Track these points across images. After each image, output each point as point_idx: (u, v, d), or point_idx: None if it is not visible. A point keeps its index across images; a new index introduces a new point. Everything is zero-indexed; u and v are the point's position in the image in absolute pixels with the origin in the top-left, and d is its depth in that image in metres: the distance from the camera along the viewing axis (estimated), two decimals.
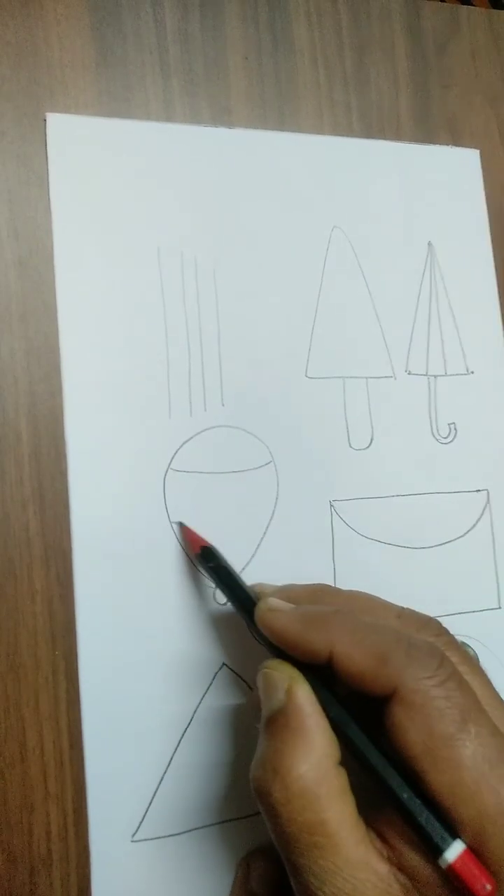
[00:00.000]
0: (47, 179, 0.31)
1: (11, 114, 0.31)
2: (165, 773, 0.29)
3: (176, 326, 0.32)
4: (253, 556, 0.32)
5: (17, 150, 0.31)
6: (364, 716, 0.23)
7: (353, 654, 0.23)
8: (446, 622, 0.26)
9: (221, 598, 0.31)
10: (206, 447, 0.32)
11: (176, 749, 0.30)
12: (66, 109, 0.32)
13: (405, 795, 0.21)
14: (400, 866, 0.21)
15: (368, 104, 0.37)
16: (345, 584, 0.33)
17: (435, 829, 0.21)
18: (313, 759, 0.22)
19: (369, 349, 0.35)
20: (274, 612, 0.25)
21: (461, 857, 0.20)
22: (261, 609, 0.26)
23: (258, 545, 0.32)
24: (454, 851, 0.20)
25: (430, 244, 0.37)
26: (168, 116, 0.34)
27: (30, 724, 0.29)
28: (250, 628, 0.27)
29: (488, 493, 0.36)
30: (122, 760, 0.29)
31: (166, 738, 0.30)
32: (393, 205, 0.37)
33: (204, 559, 0.29)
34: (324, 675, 0.24)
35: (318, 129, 0.36)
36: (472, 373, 0.37)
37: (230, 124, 0.35)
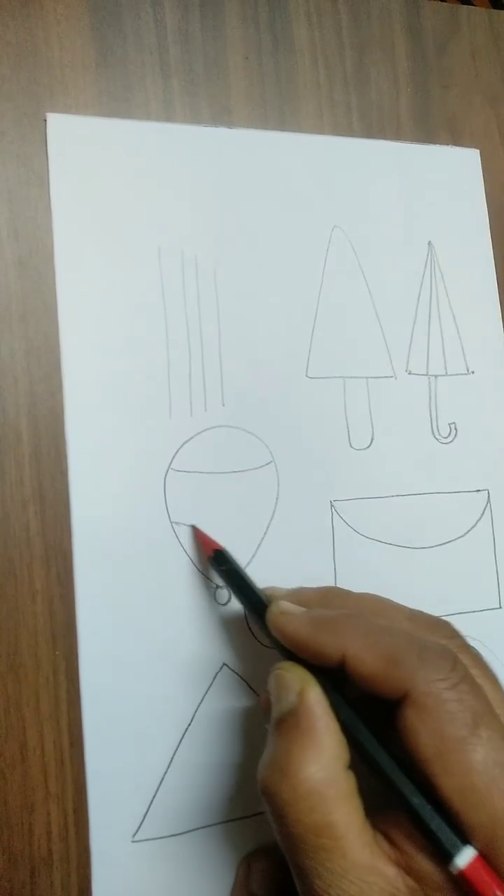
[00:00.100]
0: (47, 179, 0.31)
1: (11, 114, 0.31)
2: (166, 773, 0.29)
3: (176, 326, 0.32)
4: (253, 556, 0.32)
5: (18, 150, 0.31)
6: (374, 720, 0.23)
7: (366, 657, 0.23)
8: None
9: (222, 598, 0.31)
10: (207, 447, 0.32)
11: (176, 749, 0.30)
12: (66, 109, 0.32)
13: (416, 800, 0.21)
14: (408, 870, 0.21)
15: (368, 104, 0.37)
16: (345, 584, 0.33)
17: (446, 834, 0.21)
18: (323, 760, 0.22)
19: (370, 349, 0.35)
20: (285, 616, 0.25)
21: (472, 864, 0.20)
22: (272, 612, 0.26)
23: (259, 545, 0.32)
24: (465, 857, 0.20)
25: (430, 244, 0.37)
26: (168, 116, 0.34)
27: (30, 723, 0.29)
28: (262, 631, 0.27)
29: (488, 493, 0.36)
30: (122, 760, 0.29)
31: (167, 738, 0.30)
32: (393, 205, 0.37)
33: (216, 562, 0.30)
34: (334, 678, 0.24)
35: (319, 129, 0.36)
36: (473, 373, 0.37)
37: (230, 124, 0.35)
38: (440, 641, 0.24)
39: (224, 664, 0.31)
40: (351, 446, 0.34)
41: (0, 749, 0.28)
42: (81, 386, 0.30)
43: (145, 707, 0.29)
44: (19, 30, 0.32)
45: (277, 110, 0.36)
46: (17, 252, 0.31)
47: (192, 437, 0.32)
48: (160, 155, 0.33)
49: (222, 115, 0.35)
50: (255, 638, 0.31)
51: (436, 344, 0.36)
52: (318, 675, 0.24)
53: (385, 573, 0.34)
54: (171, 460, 0.31)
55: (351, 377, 0.35)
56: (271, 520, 0.32)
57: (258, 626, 0.27)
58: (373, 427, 0.35)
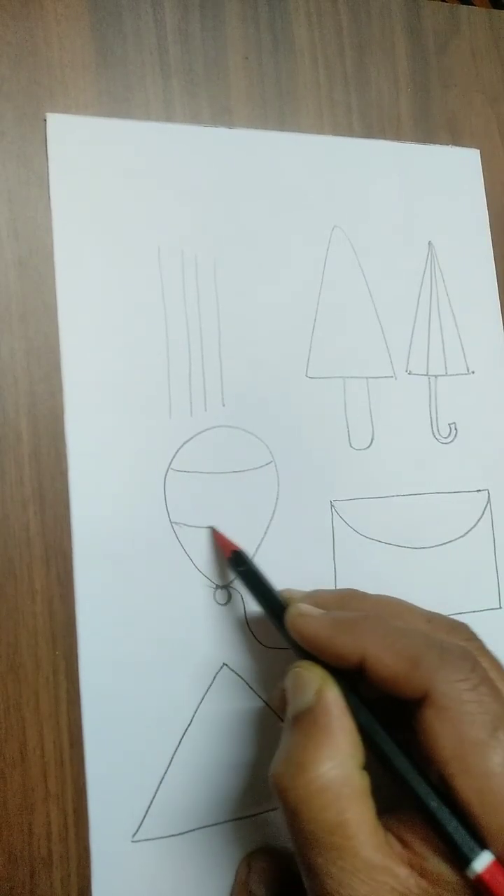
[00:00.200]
0: (47, 179, 0.31)
1: (11, 114, 0.31)
2: (166, 773, 0.29)
3: (176, 326, 0.32)
4: (253, 556, 0.32)
5: (18, 151, 0.31)
6: (390, 722, 0.23)
7: (385, 658, 0.23)
8: None
9: (222, 598, 0.31)
10: (207, 447, 0.32)
11: (176, 749, 0.30)
12: (66, 109, 0.32)
13: (433, 803, 0.21)
14: (421, 871, 0.21)
15: (368, 104, 0.37)
16: (345, 584, 0.33)
17: (463, 838, 0.21)
18: (338, 758, 0.22)
19: (370, 349, 0.35)
20: (304, 617, 0.26)
21: (490, 869, 0.20)
22: (291, 614, 0.26)
23: (259, 545, 0.32)
24: (482, 862, 0.20)
25: (430, 244, 0.37)
26: (168, 116, 0.34)
27: (30, 724, 0.29)
28: (280, 632, 0.27)
29: (488, 493, 0.36)
30: (122, 760, 0.29)
31: (167, 738, 0.30)
32: (393, 205, 0.37)
33: (234, 563, 0.30)
34: (351, 680, 0.24)
35: (319, 129, 0.36)
36: (473, 373, 0.37)
37: (230, 124, 0.34)
38: (459, 643, 0.24)
39: (224, 664, 0.31)
40: (351, 446, 0.34)
41: (0, 749, 0.28)
42: (81, 386, 0.30)
43: (145, 707, 0.29)
44: (19, 30, 0.32)
45: (277, 110, 0.36)
46: (17, 252, 0.31)
47: (192, 437, 0.32)
48: (160, 155, 0.33)
49: (222, 115, 0.34)
50: (256, 638, 0.31)
51: (436, 344, 0.36)
52: (335, 677, 0.24)
53: (385, 573, 0.34)
54: (171, 460, 0.31)
55: (351, 377, 0.35)
56: (271, 520, 0.32)
57: (276, 628, 0.27)
58: (373, 427, 0.35)
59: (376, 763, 0.23)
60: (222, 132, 0.34)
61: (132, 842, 0.29)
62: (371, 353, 0.35)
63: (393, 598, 0.27)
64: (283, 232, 0.34)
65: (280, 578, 0.30)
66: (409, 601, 0.27)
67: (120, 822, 0.29)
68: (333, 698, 0.23)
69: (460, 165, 0.38)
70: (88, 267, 0.31)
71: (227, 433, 0.32)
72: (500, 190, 0.39)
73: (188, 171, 0.33)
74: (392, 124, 0.38)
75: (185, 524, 0.31)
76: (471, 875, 0.20)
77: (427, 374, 0.36)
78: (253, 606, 0.31)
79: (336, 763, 0.22)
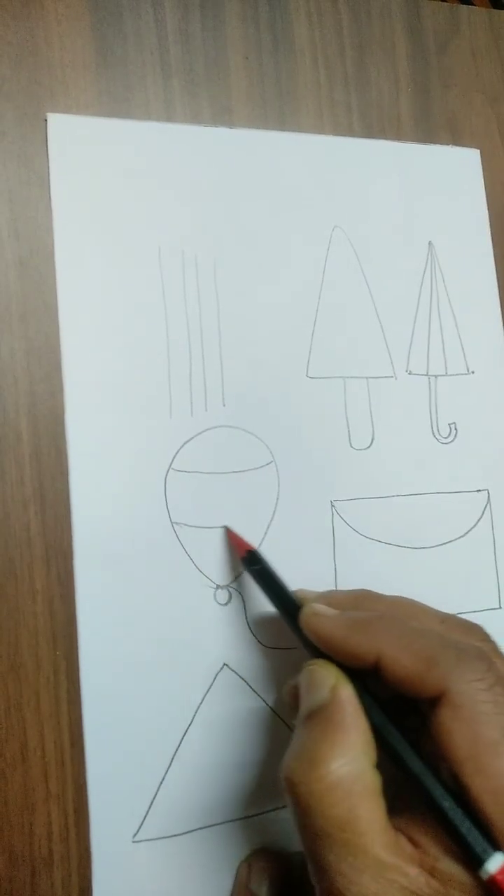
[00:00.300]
0: (48, 179, 0.31)
1: (12, 114, 0.31)
2: (167, 773, 0.29)
3: (177, 326, 0.32)
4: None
5: (18, 151, 0.31)
6: (402, 723, 0.23)
7: (401, 658, 0.23)
8: None
9: (222, 598, 0.31)
10: (207, 447, 0.32)
11: (177, 749, 0.30)
12: (66, 109, 0.32)
13: (447, 803, 0.21)
14: (431, 871, 0.21)
15: (369, 104, 0.37)
16: (345, 584, 0.33)
17: (476, 839, 0.21)
18: (352, 755, 0.22)
19: (370, 349, 0.35)
20: (319, 617, 0.26)
21: (503, 870, 0.20)
22: (306, 614, 0.26)
23: (259, 545, 0.32)
24: (496, 863, 0.20)
25: (430, 244, 0.37)
26: (168, 116, 0.34)
27: (31, 724, 0.29)
28: (294, 632, 0.27)
29: (488, 493, 0.36)
30: (122, 760, 0.29)
31: (167, 738, 0.30)
32: (393, 205, 0.37)
33: (248, 562, 0.30)
34: (362, 680, 0.24)
35: (319, 129, 0.36)
36: (473, 373, 0.37)
37: (231, 124, 0.34)
38: (475, 644, 0.24)
39: (224, 664, 0.31)
40: (351, 446, 0.34)
41: (0, 749, 0.28)
42: (81, 386, 0.30)
43: (145, 707, 0.29)
44: (19, 30, 0.32)
45: (277, 110, 0.36)
46: (17, 252, 0.31)
47: (192, 437, 0.32)
48: (160, 155, 0.33)
49: (222, 115, 0.34)
50: (256, 638, 0.31)
51: (436, 344, 0.36)
52: (349, 676, 0.24)
53: (385, 573, 0.34)
54: (172, 460, 0.31)
55: (351, 377, 0.35)
56: (271, 520, 0.32)
57: (290, 627, 0.27)
58: (373, 427, 0.35)
59: (387, 763, 0.23)
60: (222, 132, 0.34)
61: (133, 842, 0.29)
62: (371, 353, 0.35)
63: (407, 598, 0.27)
64: (283, 232, 0.34)
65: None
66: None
67: (121, 822, 0.29)
68: (348, 696, 0.23)
69: (460, 165, 0.38)
70: (89, 267, 0.31)
71: (228, 433, 0.32)
72: (500, 190, 0.39)
73: (188, 171, 0.33)
74: (392, 124, 0.38)
75: (185, 524, 0.31)
76: (484, 876, 0.20)
77: (427, 374, 0.36)
78: (254, 606, 0.31)
79: (349, 760, 0.22)
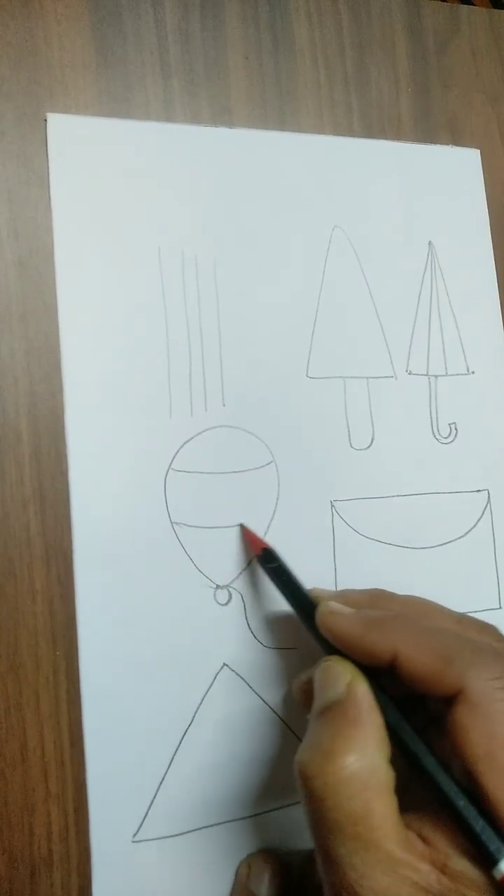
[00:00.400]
0: (48, 179, 0.31)
1: (12, 114, 0.31)
2: (166, 773, 0.29)
3: (176, 326, 0.32)
4: (254, 556, 0.32)
5: (18, 151, 0.31)
6: (416, 722, 0.24)
7: (418, 656, 0.23)
8: None
9: (222, 598, 0.31)
10: (207, 447, 0.32)
11: (177, 749, 0.30)
12: (66, 109, 0.32)
13: (461, 802, 0.21)
14: (443, 869, 0.21)
15: (369, 104, 0.37)
16: (345, 584, 0.33)
17: (491, 838, 0.21)
18: (367, 749, 0.22)
19: (370, 349, 0.35)
20: (335, 615, 0.26)
21: None
22: (322, 612, 0.26)
23: None
24: None
25: (430, 244, 0.37)
26: (168, 116, 0.33)
27: (30, 724, 0.29)
28: (309, 630, 0.27)
29: (488, 493, 0.36)
30: (122, 760, 0.29)
31: (167, 738, 0.30)
32: (393, 205, 0.37)
33: (264, 560, 0.30)
34: (379, 680, 0.24)
35: (319, 129, 0.36)
36: (473, 373, 0.37)
37: (230, 124, 0.34)
38: (491, 643, 0.25)
39: (224, 664, 0.31)
40: (351, 446, 0.34)
41: (0, 749, 0.28)
42: (81, 386, 0.30)
43: (145, 707, 0.29)
44: (19, 30, 0.32)
45: (277, 110, 0.36)
46: (17, 252, 0.31)
47: (192, 437, 0.32)
48: (160, 155, 0.33)
49: (222, 115, 0.34)
50: (256, 638, 0.31)
51: (436, 344, 0.36)
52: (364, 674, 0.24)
53: (385, 573, 0.34)
54: (172, 460, 0.31)
55: (351, 377, 0.35)
56: (271, 520, 0.32)
57: (305, 625, 0.28)
58: (373, 427, 0.35)
59: (400, 761, 0.23)
60: (222, 132, 0.34)
61: (132, 842, 0.29)
62: (371, 353, 0.35)
63: (421, 598, 0.28)
64: (283, 232, 0.34)
65: None
66: None
67: (120, 823, 0.29)
68: (363, 693, 0.24)
69: (460, 165, 0.38)
70: (88, 267, 0.31)
71: (228, 433, 0.32)
72: (500, 190, 0.39)
73: (188, 171, 0.33)
74: (392, 124, 0.38)
75: (185, 524, 0.31)
76: (497, 875, 0.20)
77: (427, 374, 0.36)
78: (253, 606, 0.31)
79: (365, 754, 0.22)
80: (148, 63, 0.34)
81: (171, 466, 0.31)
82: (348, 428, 0.34)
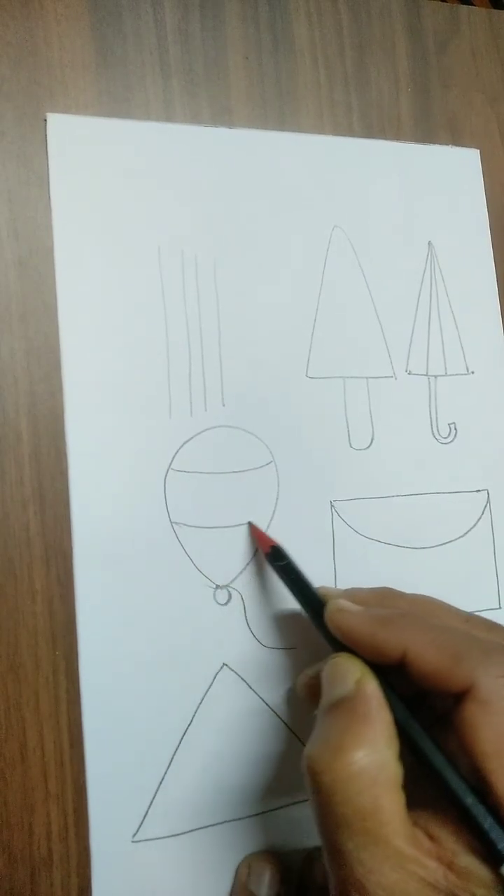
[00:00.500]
0: (47, 179, 0.31)
1: (11, 114, 0.31)
2: (166, 773, 0.29)
3: (176, 326, 0.32)
4: (254, 556, 0.32)
5: (18, 151, 0.31)
6: (425, 720, 0.24)
7: (428, 653, 0.23)
8: None
9: (222, 598, 0.31)
10: (207, 447, 0.32)
11: (176, 749, 0.30)
12: (66, 109, 0.32)
13: (469, 800, 0.21)
14: (450, 866, 0.21)
15: (369, 104, 0.37)
16: (345, 584, 0.33)
17: (499, 835, 0.21)
18: (376, 745, 0.22)
19: (370, 349, 0.35)
20: (344, 613, 0.26)
21: None
22: (331, 610, 0.26)
23: (259, 545, 0.32)
24: None
25: (430, 244, 0.37)
26: (168, 116, 0.34)
27: (30, 724, 0.29)
28: (318, 628, 0.27)
29: (488, 493, 0.36)
30: (122, 760, 0.29)
31: (167, 738, 0.30)
32: (393, 205, 0.37)
33: (273, 558, 0.30)
34: (387, 678, 0.24)
35: (319, 129, 0.36)
36: (473, 373, 0.37)
37: (230, 124, 0.34)
38: (500, 642, 0.25)
39: (224, 664, 0.31)
40: (351, 446, 0.34)
41: (0, 749, 0.28)
42: (81, 386, 0.30)
43: (145, 707, 0.29)
44: (19, 30, 0.32)
45: (277, 110, 0.36)
46: (17, 252, 0.31)
47: (192, 437, 0.32)
48: (160, 155, 0.33)
49: (222, 115, 0.34)
50: (256, 638, 0.31)
51: (436, 344, 0.36)
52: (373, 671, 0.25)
53: (385, 573, 0.34)
54: (172, 460, 0.31)
55: (351, 377, 0.35)
56: (271, 520, 0.32)
57: (314, 623, 0.28)
58: (373, 427, 0.35)
59: (407, 758, 0.23)
60: (222, 132, 0.34)
61: (132, 842, 0.29)
62: (371, 353, 0.35)
63: (429, 597, 0.28)
64: (283, 232, 0.34)
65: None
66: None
67: (120, 822, 0.29)
68: (373, 689, 0.24)
69: (460, 165, 0.38)
70: (88, 267, 0.31)
71: (227, 433, 0.32)
72: (500, 190, 0.39)
73: (188, 171, 0.33)
74: (392, 124, 0.38)
75: (185, 524, 0.31)
76: None
77: (427, 374, 0.36)
78: (253, 606, 0.31)
79: (374, 750, 0.22)
80: (148, 63, 0.34)
81: (171, 466, 0.31)
82: (348, 428, 0.34)
